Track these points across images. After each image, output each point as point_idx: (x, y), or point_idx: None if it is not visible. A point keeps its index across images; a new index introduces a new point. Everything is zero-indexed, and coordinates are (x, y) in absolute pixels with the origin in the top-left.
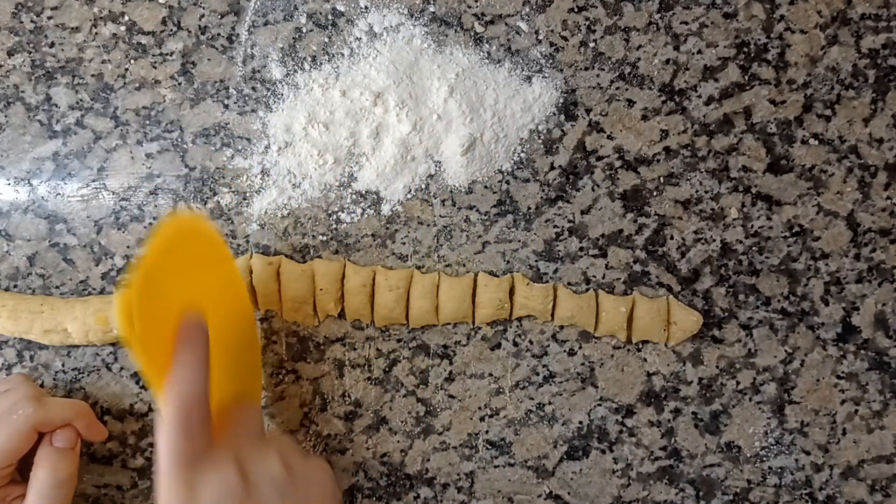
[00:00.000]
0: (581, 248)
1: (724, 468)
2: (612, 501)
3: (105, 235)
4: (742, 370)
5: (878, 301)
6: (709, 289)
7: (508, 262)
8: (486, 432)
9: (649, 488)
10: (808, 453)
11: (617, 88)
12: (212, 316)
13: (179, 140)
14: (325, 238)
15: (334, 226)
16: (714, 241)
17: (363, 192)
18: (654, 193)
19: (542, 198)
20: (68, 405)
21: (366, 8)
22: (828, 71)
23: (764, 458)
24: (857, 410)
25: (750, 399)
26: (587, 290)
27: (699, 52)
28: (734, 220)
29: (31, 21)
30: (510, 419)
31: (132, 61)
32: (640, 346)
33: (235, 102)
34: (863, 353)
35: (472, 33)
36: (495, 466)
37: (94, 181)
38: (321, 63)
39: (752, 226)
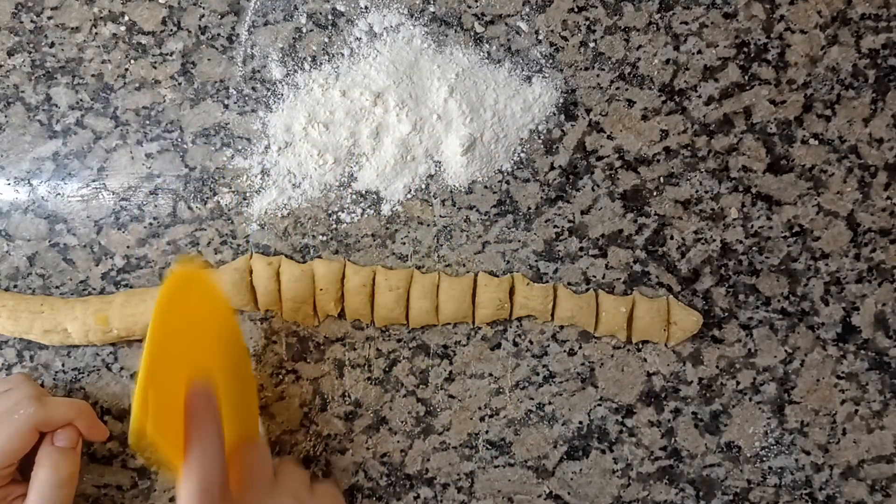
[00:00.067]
0: (581, 248)
1: (724, 468)
2: (612, 501)
3: (105, 235)
4: (742, 370)
5: (878, 301)
6: (709, 289)
7: (508, 262)
8: (486, 432)
9: (649, 488)
10: (808, 453)
11: (617, 88)
12: (213, 362)
13: (179, 140)
14: (325, 238)
15: (334, 226)
16: (714, 241)
17: (363, 192)
18: (654, 193)
19: (542, 198)
20: (69, 405)
21: (366, 8)
22: (828, 71)
23: (764, 458)
24: (857, 410)
25: (750, 399)
26: (587, 290)
27: (699, 52)
28: (734, 220)
29: (31, 21)
30: (510, 419)
31: (132, 61)
32: (640, 346)
33: (235, 102)
34: (863, 353)
35: (472, 33)
36: (495, 466)
37: (94, 181)
38: (321, 63)
39: (752, 226)
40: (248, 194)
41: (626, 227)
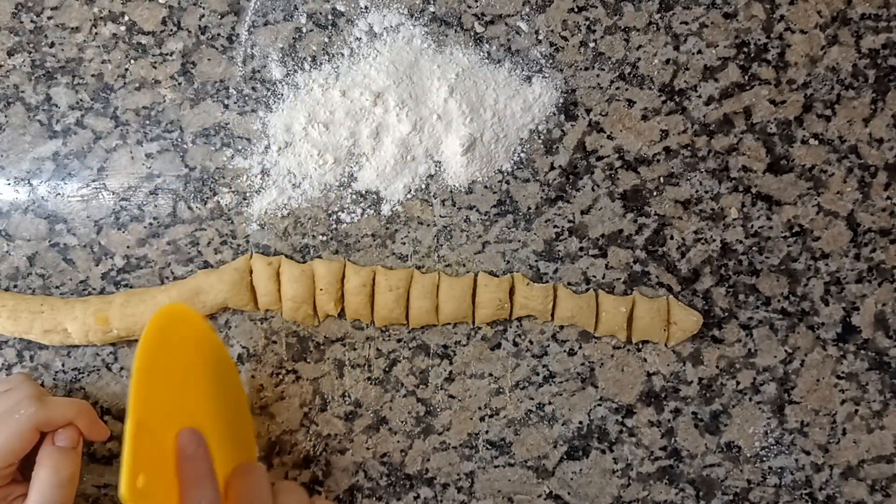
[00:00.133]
0: (581, 248)
1: (724, 468)
2: (612, 501)
3: (105, 235)
4: (742, 370)
5: (878, 301)
6: (709, 289)
7: (508, 262)
8: (486, 432)
9: (649, 488)
10: (808, 453)
11: (617, 88)
12: (203, 396)
13: (179, 140)
14: (325, 238)
15: (334, 226)
16: (714, 241)
17: (363, 192)
18: (654, 193)
19: (542, 198)
20: (70, 404)
21: (366, 8)
22: (828, 71)
23: (764, 458)
24: (857, 410)
25: (750, 399)
26: (587, 290)
27: (699, 52)
28: (734, 220)
29: (31, 21)
30: (510, 419)
31: (132, 61)
32: (640, 346)
33: (235, 102)
34: (863, 353)
35: (472, 33)
36: (495, 466)
37: (94, 181)
38: (321, 63)
39: (752, 226)
40: (248, 194)
41: (626, 227)
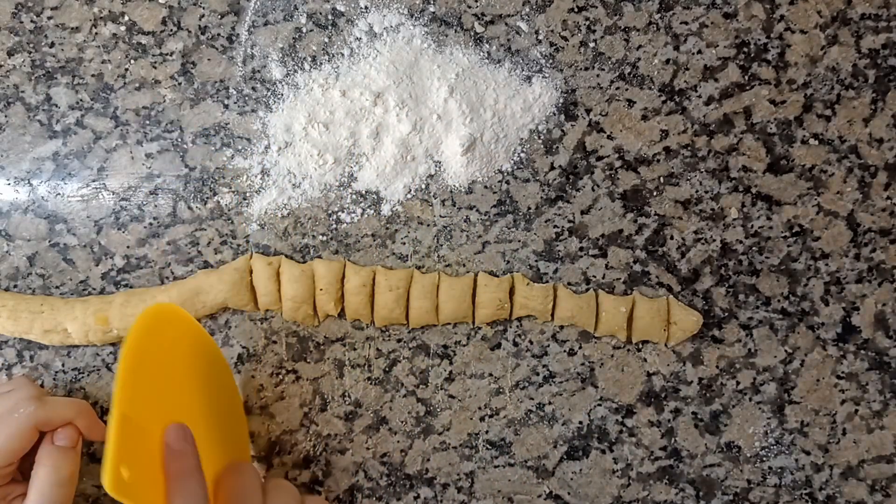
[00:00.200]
0: (581, 248)
1: (724, 468)
2: (612, 501)
3: (105, 235)
4: (742, 370)
5: (878, 301)
6: (709, 289)
7: (508, 262)
8: (486, 432)
9: (649, 488)
10: (808, 453)
11: (617, 88)
12: (193, 394)
13: (179, 140)
14: (325, 238)
15: (334, 226)
16: (714, 241)
17: (363, 192)
18: (654, 193)
19: (542, 198)
20: (69, 404)
21: (366, 8)
22: (828, 71)
23: (764, 458)
24: (857, 410)
25: (750, 399)
26: (587, 290)
27: (699, 52)
28: (734, 220)
29: (31, 21)
30: (510, 419)
31: (132, 61)
32: (640, 346)
33: (235, 102)
34: (863, 353)
35: (472, 33)
36: (495, 466)
37: (94, 181)
38: (321, 63)
39: (752, 226)
40: (248, 194)
41: (626, 227)
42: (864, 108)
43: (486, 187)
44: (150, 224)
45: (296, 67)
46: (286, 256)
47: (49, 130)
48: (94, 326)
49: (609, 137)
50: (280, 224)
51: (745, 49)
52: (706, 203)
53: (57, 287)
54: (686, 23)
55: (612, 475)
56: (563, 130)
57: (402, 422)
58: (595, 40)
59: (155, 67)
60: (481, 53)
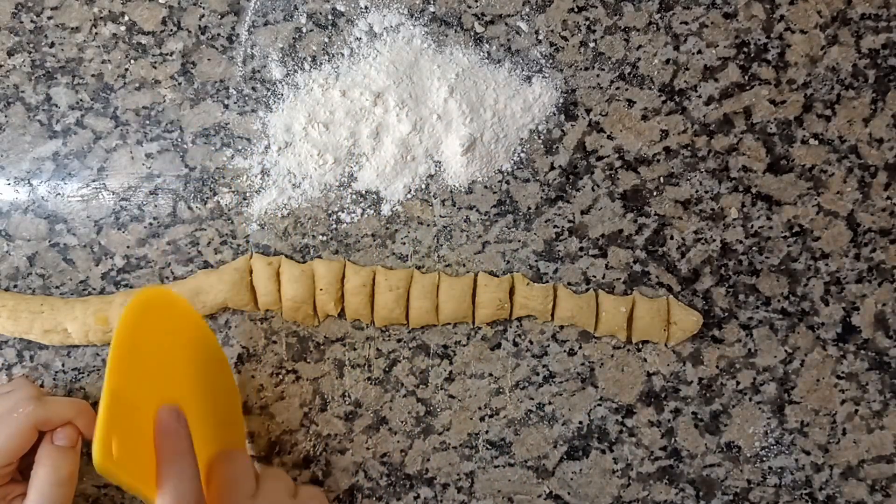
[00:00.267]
0: (581, 248)
1: (724, 468)
2: (612, 501)
3: (105, 235)
4: (742, 370)
5: (878, 301)
6: (709, 289)
7: (508, 262)
8: (486, 432)
9: (649, 488)
10: (808, 453)
11: (617, 88)
12: (187, 379)
13: (179, 140)
14: (325, 238)
15: (334, 226)
16: (714, 241)
17: (363, 192)
18: (654, 193)
19: (542, 198)
20: (69, 404)
21: (366, 8)
22: (828, 71)
23: (764, 458)
24: (857, 410)
25: (750, 399)
26: (587, 290)
27: (699, 52)
28: (734, 220)
29: (31, 21)
30: (510, 419)
31: (132, 61)
32: (640, 346)
33: (235, 102)
34: (863, 353)
35: (472, 33)
36: (495, 466)
37: (94, 181)
38: (321, 63)
39: (752, 226)
40: (248, 194)
41: (626, 227)
42: (864, 108)
43: (486, 187)
44: (150, 224)
45: (296, 67)
46: (286, 256)
47: (49, 130)
48: (94, 326)
49: (609, 137)
50: (280, 224)
51: (745, 49)
52: (706, 203)
53: (57, 287)
54: (686, 23)
55: (612, 475)
56: (563, 130)
57: (402, 422)
58: (595, 40)
59: (155, 67)
60: (481, 53)
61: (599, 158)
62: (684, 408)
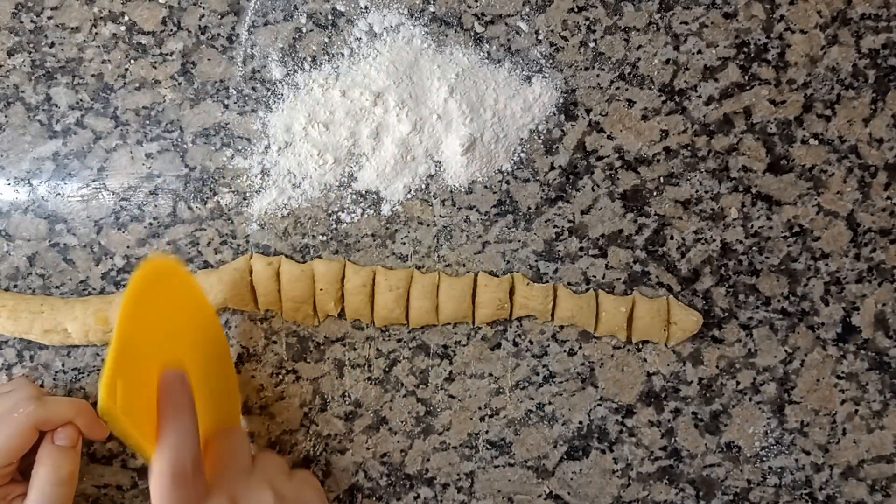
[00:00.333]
0: (581, 248)
1: (724, 468)
2: (612, 501)
3: (105, 235)
4: (742, 370)
5: (878, 301)
6: (709, 289)
7: (508, 262)
8: (486, 432)
9: (649, 488)
10: (808, 453)
11: (617, 88)
12: (188, 352)
13: (179, 140)
14: (325, 238)
15: (334, 226)
16: (714, 241)
17: (363, 192)
18: (654, 193)
19: (542, 198)
20: (69, 403)
21: (366, 8)
22: (828, 71)
23: (764, 458)
24: (857, 410)
25: (750, 399)
26: (587, 290)
27: (699, 52)
28: (734, 220)
29: (31, 21)
30: (510, 419)
31: (132, 61)
32: (640, 346)
33: (235, 102)
34: (863, 353)
35: (472, 33)
36: (495, 466)
37: (94, 181)
38: (321, 63)
39: (752, 226)
40: (248, 194)
41: (626, 227)
42: (864, 108)
43: (486, 187)
44: (150, 224)
45: (296, 67)
46: (286, 256)
47: (49, 130)
48: (94, 326)
49: (609, 137)
50: (280, 224)
51: (745, 49)
52: (706, 203)
53: (57, 287)
54: (686, 23)
55: (612, 475)
56: (563, 130)
57: (402, 422)
58: (595, 40)
59: (155, 67)
60: (481, 53)
61: (599, 158)
62: (684, 408)
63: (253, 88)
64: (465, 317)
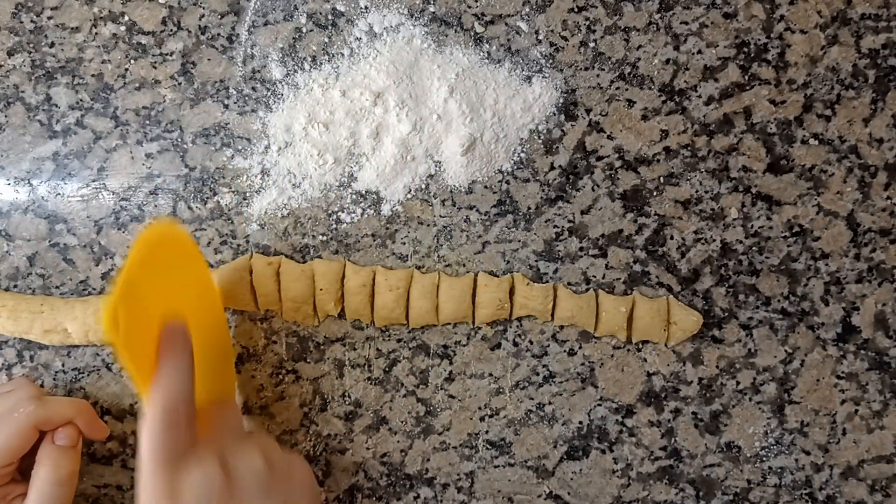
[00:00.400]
0: (581, 248)
1: (724, 468)
2: (612, 501)
3: (105, 235)
4: (742, 370)
5: (878, 301)
6: (709, 289)
7: (508, 262)
8: (486, 432)
9: (649, 488)
10: (808, 453)
11: (617, 88)
12: (189, 321)
13: (179, 140)
14: (325, 238)
15: (334, 226)
16: (714, 241)
17: (363, 192)
18: (654, 193)
19: (542, 198)
20: (69, 403)
21: (366, 8)
22: (828, 71)
23: (764, 458)
24: (857, 410)
25: (750, 399)
26: (587, 290)
27: (699, 52)
28: (734, 220)
29: (31, 21)
30: (510, 419)
31: (132, 61)
32: (640, 346)
33: (235, 102)
34: (863, 353)
35: (472, 33)
36: (495, 466)
37: (94, 181)
38: (321, 63)
39: (752, 226)
40: (248, 194)
41: (626, 227)
42: (864, 108)
43: (486, 187)
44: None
45: (296, 67)
46: (286, 256)
47: (49, 130)
48: (94, 326)
49: (609, 137)
50: (280, 224)
51: (745, 49)
52: (706, 203)
53: (57, 287)
54: (686, 23)
55: (612, 475)
56: (563, 130)
57: (402, 422)
58: (595, 40)
59: (155, 67)
60: (481, 53)
61: (599, 158)
62: (684, 408)
63: (253, 88)
64: (465, 317)
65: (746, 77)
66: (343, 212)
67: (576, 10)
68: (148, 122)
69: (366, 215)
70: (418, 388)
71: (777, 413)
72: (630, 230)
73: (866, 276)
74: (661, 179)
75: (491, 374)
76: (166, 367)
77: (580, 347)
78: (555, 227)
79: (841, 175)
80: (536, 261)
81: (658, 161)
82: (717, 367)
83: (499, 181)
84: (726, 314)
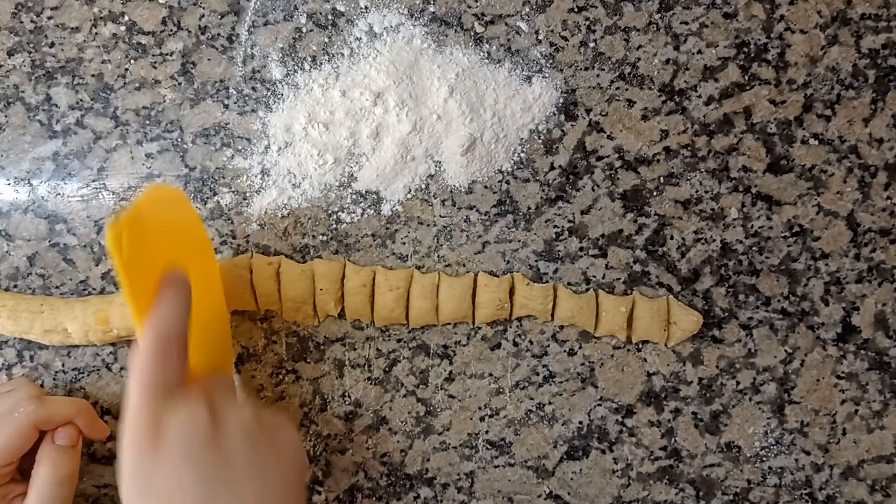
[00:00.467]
0: (581, 248)
1: (724, 468)
2: (612, 501)
3: (105, 235)
4: (742, 370)
5: (878, 301)
6: (709, 289)
7: (508, 262)
8: (486, 432)
9: (649, 488)
10: (808, 453)
11: (617, 88)
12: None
13: (179, 140)
14: (325, 238)
15: (334, 226)
16: (714, 241)
17: (363, 192)
18: (654, 193)
19: (542, 198)
20: (69, 403)
21: (366, 8)
22: (828, 71)
23: (764, 458)
24: (857, 410)
25: (750, 399)
26: (587, 290)
27: (699, 52)
28: (734, 220)
29: (31, 21)
30: (510, 419)
31: (132, 61)
32: (640, 346)
33: (235, 102)
34: (863, 353)
35: (472, 33)
36: (495, 466)
37: (94, 181)
38: (321, 63)
39: (752, 226)
40: (248, 194)
41: (626, 227)
42: (864, 108)
43: (486, 187)
44: None
45: (296, 67)
46: (286, 256)
47: (49, 130)
48: (94, 326)
49: (609, 137)
50: (280, 224)
51: (745, 49)
52: (706, 203)
53: (57, 287)
54: (686, 23)
55: (612, 475)
56: (563, 130)
57: (402, 422)
58: (595, 40)
59: (155, 67)
60: (481, 53)
61: (599, 158)
62: (684, 408)
63: (253, 88)
64: (465, 317)
65: (746, 77)
66: (343, 212)
67: (576, 10)
68: (148, 122)
69: (366, 215)
70: (418, 388)
71: (777, 413)
72: (630, 230)
73: (866, 276)
74: (661, 179)
75: (491, 374)
76: (164, 299)
77: (580, 347)
78: (555, 227)
79: (841, 175)
80: (536, 261)
81: (658, 161)
82: (717, 367)
83: (499, 181)
84: (726, 314)
